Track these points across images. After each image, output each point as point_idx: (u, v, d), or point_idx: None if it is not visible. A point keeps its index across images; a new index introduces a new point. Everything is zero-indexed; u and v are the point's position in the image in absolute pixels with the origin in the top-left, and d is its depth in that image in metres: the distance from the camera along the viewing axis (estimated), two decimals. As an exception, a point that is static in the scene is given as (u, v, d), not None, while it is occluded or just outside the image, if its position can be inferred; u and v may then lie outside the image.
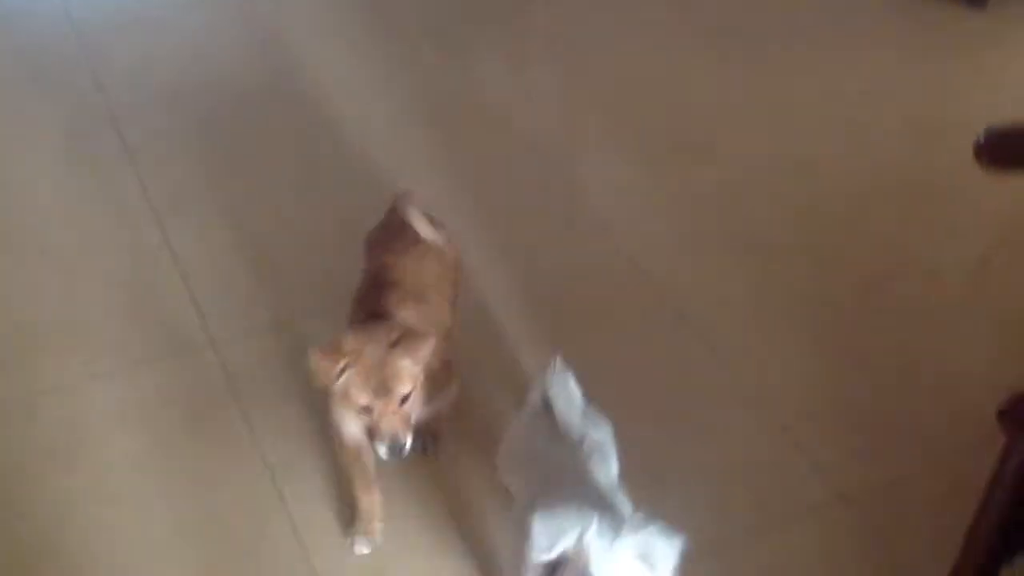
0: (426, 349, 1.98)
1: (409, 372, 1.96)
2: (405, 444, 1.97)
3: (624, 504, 1.83)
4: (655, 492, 1.94)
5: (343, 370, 1.95)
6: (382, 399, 1.94)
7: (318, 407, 2.42)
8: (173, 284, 2.73)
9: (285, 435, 2.39)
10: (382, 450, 1.98)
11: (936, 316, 2.69)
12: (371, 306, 2.15)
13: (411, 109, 3.29)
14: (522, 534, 1.72)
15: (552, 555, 1.61)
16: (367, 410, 1.97)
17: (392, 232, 2.32)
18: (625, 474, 1.96)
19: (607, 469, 1.91)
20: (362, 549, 2.17)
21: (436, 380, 2.09)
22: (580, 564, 1.59)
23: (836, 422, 2.44)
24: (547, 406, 1.98)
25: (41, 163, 3.08)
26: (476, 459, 2.25)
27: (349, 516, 2.20)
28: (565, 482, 1.83)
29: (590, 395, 2.04)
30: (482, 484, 2.24)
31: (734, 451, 2.38)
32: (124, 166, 3.06)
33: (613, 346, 2.58)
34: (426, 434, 2.26)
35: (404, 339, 1.98)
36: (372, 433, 1.99)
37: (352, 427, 2.12)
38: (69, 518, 2.25)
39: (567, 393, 1.97)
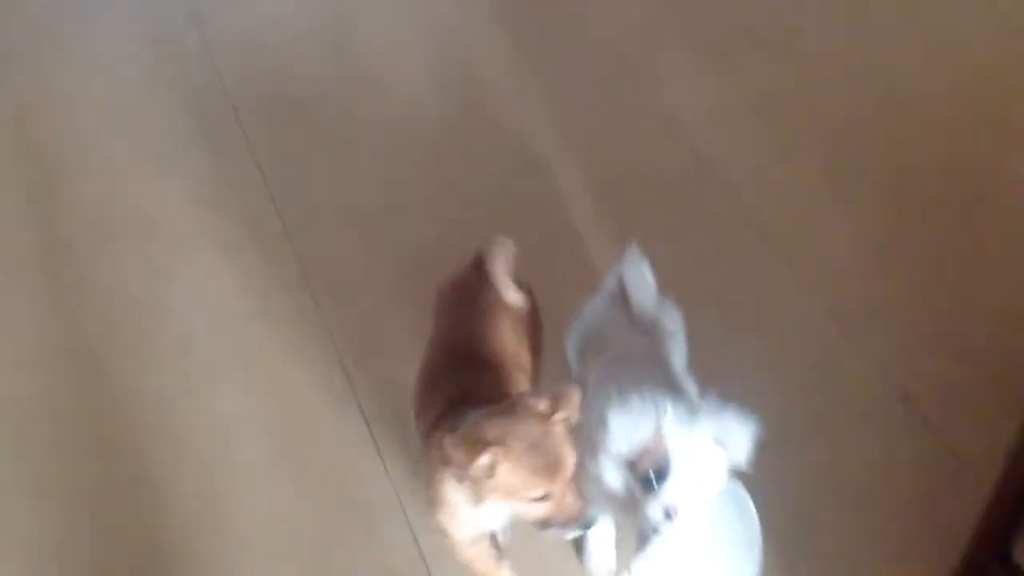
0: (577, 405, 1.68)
1: (569, 439, 1.66)
2: (593, 517, 1.69)
3: (692, 389, 1.86)
4: (716, 387, 1.93)
5: (493, 464, 1.59)
6: (557, 480, 1.62)
7: (390, 296, 2.49)
8: (251, 178, 2.79)
9: (356, 322, 2.47)
10: (568, 534, 1.71)
11: (1008, 224, 2.66)
12: (456, 388, 1.79)
13: (485, 8, 3.27)
14: (590, 413, 1.74)
15: (633, 449, 1.63)
16: (542, 499, 1.64)
17: (468, 294, 1.95)
18: (689, 367, 1.99)
19: (678, 355, 1.93)
20: None
21: None
22: (659, 451, 1.62)
23: (899, 322, 2.45)
24: (622, 290, 1.99)
25: (131, 63, 3.16)
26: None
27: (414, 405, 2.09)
28: (636, 363, 1.85)
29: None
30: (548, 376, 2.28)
31: (798, 349, 2.40)
32: (207, 69, 3.12)
33: (680, 244, 2.58)
34: None
35: (557, 404, 1.64)
36: (549, 522, 1.67)
37: (464, 531, 1.84)
38: (145, 399, 2.35)
39: (642, 278, 1.97)
